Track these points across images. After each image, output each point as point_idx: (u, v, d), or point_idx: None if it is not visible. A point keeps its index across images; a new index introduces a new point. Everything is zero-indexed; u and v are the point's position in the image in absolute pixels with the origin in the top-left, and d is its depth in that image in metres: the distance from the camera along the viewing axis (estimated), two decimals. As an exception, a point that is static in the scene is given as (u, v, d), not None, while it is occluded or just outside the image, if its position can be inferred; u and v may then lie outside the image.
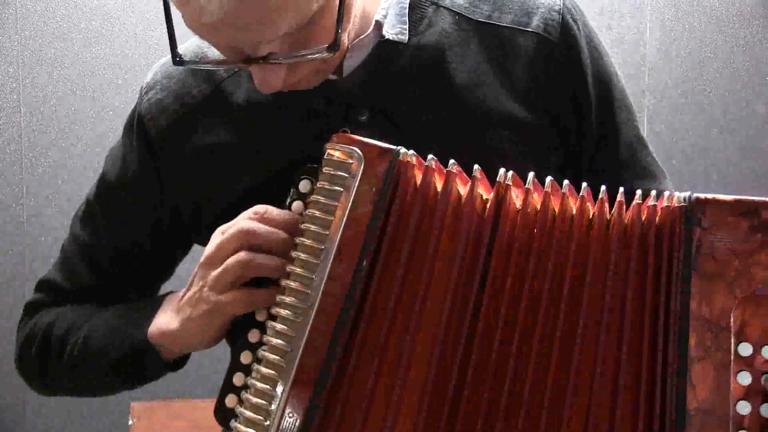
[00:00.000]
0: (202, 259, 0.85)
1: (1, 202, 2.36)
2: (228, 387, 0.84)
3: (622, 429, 0.74)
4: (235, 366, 0.84)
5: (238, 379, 0.83)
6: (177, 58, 0.82)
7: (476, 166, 0.80)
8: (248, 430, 0.78)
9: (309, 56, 0.80)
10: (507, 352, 0.76)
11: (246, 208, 0.91)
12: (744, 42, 2.60)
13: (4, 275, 2.36)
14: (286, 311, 0.79)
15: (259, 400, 0.78)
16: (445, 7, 0.94)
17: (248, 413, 0.78)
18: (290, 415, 0.77)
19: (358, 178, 0.79)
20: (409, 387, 0.77)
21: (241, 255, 0.81)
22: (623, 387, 0.74)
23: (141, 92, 0.99)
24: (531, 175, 0.79)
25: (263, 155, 0.92)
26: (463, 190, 0.79)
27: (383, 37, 0.91)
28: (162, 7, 0.79)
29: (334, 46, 0.80)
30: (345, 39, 0.84)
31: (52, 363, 0.99)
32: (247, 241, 0.81)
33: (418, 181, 0.79)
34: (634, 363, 0.74)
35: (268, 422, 0.77)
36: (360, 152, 0.80)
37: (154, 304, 0.94)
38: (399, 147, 0.80)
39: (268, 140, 0.92)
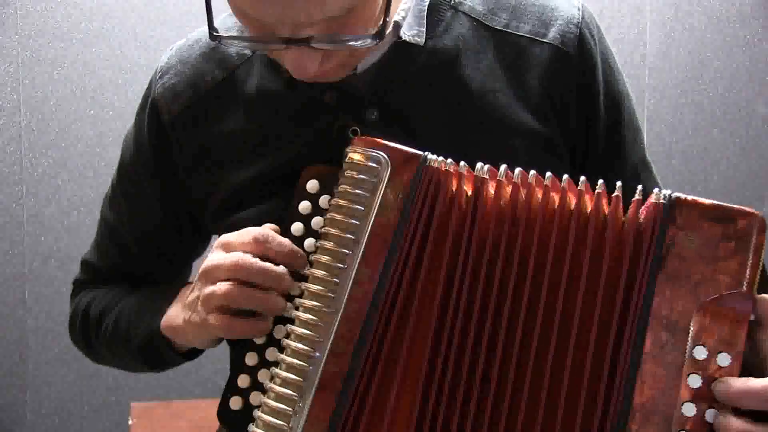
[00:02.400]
0: (202, 266, 0.85)
1: (1, 202, 2.36)
2: (232, 388, 0.83)
3: (566, 420, 0.74)
4: (240, 367, 0.83)
5: (243, 380, 0.82)
6: (214, 33, 0.82)
7: (480, 165, 0.80)
8: None
9: (353, 43, 0.80)
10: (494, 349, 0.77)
11: (250, 198, 0.92)
12: (744, 42, 2.60)
13: (4, 275, 2.36)
14: (308, 315, 0.78)
15: (280, 405, 0.77)
16: (464, 13, 0.94)
17: (268, 418, 0.77)
18: (313, 422, 0.76)
19: (384, 183, 0.78)
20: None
21: (230, 288, 0.80)
22: (586, 380, 0.74)
23: (155, 75, 1.00)
24: (503, 167, 0.79)
25: (271, 145, 0.92)
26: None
27: (400, 38, 0.91)
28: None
29: (380, 34, 0.80)
30: (389, 29, 0.84)
31: (92, 341, 1.05)
32: (242, 275, 0.80)
33: (452, 188, 0.79)
34: (598, 358, 0.74)
35: (287, 428, 0.76)
36: (386, 157, 0.79)
37: (173, 293, 0.95)
38: (426, 152, 0.79)
39: (276, 130, 0.93)
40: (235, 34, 0.91)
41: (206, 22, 0.99)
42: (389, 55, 0.91)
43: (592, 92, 0.94)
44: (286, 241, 0.82)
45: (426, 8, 0.92)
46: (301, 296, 0.79)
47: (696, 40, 2.59)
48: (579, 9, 0.95)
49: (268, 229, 0.83)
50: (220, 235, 1.00)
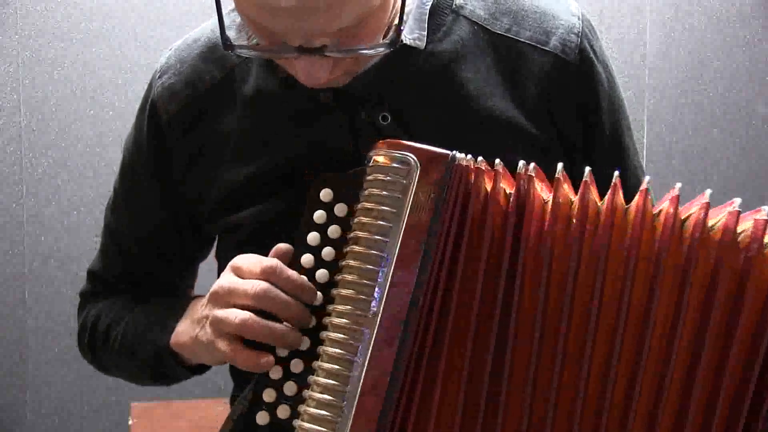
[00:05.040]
0: (214, 286, 0.84)
1: (1, 202, 2.36)
2: (258, 404, 0.81)
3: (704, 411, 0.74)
4: (264, 381, 0.81)
5: (268, 395, 0.80)
6: (227, 43, 0.82)
7: (523, 163, 0.79)
8: None
9: (366, 51, 0.80)
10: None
11: (248, 197, 0.92)
12: (744, 42, 2.60)
13: (4, 275, 2.36)
14: (343, 320, 0.77)
15: (323, 412, 0.76)
16: (464, 17, 0.94)
17: (309, 425, 0.76)
18: (359, 428, 0.75)
19: (414, 184, 0.78)
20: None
21: (247, 318, 0.79)
22: (726, 381, 0.74)
23: (154, 76, 1.00)
24: (560, 165, 0.78)
25: (268, 145, 0.92)
26: (546, 195, 0.78)
27: (401, 41, 0.91)
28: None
29: (394, 43, 0.81)
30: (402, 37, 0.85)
31: (100, 353, 1.05)
32: (257, 303, 0.80)
33: (486, 186, 0.78)
34: (749, 361, 0.74)
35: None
36: (415, 158, 0.78)
37: (181, 307, 0.95)
38: (454, 151, 0.79)
39: (273, 130, 0.93)
40: (243, 41, 0.91)
41: (204, 21, 0.99)
42: (388, 57, 0.91)
43: (594, 101, 0.95)
44: (294, 274, 0.80)
45: (427, 12, 0.93)
46: (333, 302, 0.78)
47: (696, 40, 2.59)
48: (579, 18, 0.95)
49: (276, 261, 0.81)
50: (218, 236, 1.00)
